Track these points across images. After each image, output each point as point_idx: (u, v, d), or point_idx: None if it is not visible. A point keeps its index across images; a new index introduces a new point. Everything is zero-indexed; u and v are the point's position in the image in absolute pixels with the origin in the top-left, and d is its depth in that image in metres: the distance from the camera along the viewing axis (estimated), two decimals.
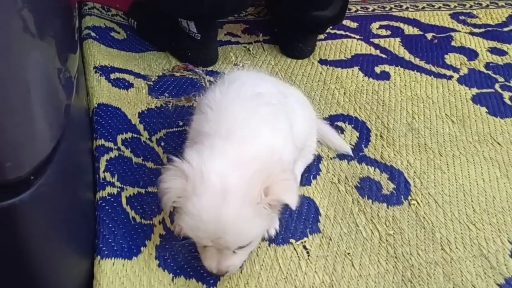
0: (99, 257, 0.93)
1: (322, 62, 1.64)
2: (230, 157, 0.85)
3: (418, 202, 1.16)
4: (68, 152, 0.81)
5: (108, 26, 1.62)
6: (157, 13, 1.57)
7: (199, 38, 1.49)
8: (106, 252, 0.93)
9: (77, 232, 0.89)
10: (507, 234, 1.11)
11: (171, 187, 0.83)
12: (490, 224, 1.13)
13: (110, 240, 0.96)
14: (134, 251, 0.96)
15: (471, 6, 2.07)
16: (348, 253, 1.03)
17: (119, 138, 1.19)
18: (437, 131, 1.39)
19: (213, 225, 0.80)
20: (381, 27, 1.87)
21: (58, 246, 0.80)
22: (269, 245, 1.03)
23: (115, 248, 0.95)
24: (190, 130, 1.01)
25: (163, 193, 0.84)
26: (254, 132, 0.90)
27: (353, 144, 1.31)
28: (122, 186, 1.08)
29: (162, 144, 1.22)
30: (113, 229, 0.98)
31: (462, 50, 1.78)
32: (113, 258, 0.93)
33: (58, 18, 0.82)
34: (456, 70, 1.66)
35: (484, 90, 1.58)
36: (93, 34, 1.53)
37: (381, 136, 1.35)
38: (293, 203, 0.85)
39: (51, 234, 0.76)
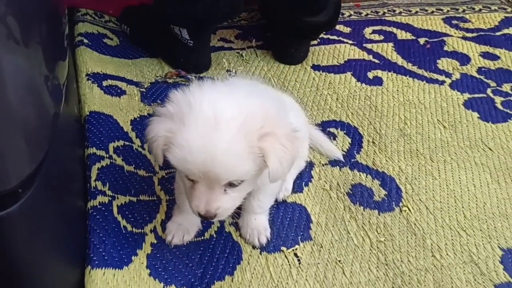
0: (89, 267, 0.93)
1: (315, 67, 1.64)
2: (225, 91, 0.81)
3: (409, 209, 1.17)
4: (57, 161, 0.81)
5: (101, 32, 1.62)
6: (150, 19, 1.57)
7: (191, 44, 1.49)
8: (96, 262, 0.94)
9: (66, 242, 0.89)
10: (497, 240, 1.11)
11: (157, 133, 0.79)
12: (480, 230, 1.14)
13: (100, 250, 0.96)
14: (125, 260, 0.96)
15: (464, 11, 2.07)
16: (339, 261, 1.03)
17: (111, 146, 1.19)
18: (429, 137, 1.40)
19: (203, 155, 0.75)
20: (374, 32, 1.88)
21: (47, 257, 0.80)
22: (260, 253, 1.03)
23: (106, 258, 0.95)
24: None
25: (151, 143, 0.80)
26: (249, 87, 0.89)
27: (345, 150, 1.32)
28: (114, 195, 1.08)
29: None
30: (103, 238, 0.98)
31: (454, 54, 1.78)
32: (103, 268, 0.93)
33: (45, 25, 0.81)
34: (448, 75, 1.67)
35: (476, 95, 1.58)
36: (85, 41, 1.53)
37: (373, 142, 1.35)
38: (273, 169, 0.78)
39: (40, 246, 0.76)
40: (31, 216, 0.71)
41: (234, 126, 0.76)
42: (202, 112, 0.77)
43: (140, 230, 1.03)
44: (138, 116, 1.32)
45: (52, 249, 0.82)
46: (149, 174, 1.16)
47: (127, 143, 1.22)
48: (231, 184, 0.82)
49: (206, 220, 0.89)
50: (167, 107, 0.81)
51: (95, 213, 1.02)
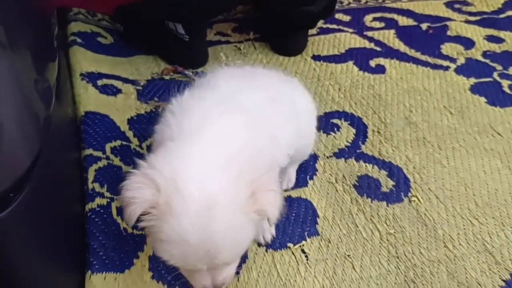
0: (89, 272, 0.89)
1: (315, 58, 1.60)
2: (204, 160, 0.71)
3: (418, 199, 1.13)
4: (50, 164, 0.78)
5: (95, 31, 1.58)
6: (144, 15, 1.53)
7: (187, 39, 1.45)
8: (97, 267, 0.90)
9: (64, 247, 0.86)
10: (511, 227, 1.07)
11: (138, 197, 0.68)
12: (493, 218, 1.10)
13: (101, 254, 0.93)
14: (126, 263, 0.93)
15: None
16: (348, 255, 1.00)
17: (108, 146, 1.16)
18: (435, 124, 1.35)
19: (205, 248, 0.67)
20: (374, 19, 1.83)
21: (44, 265, 0.77)
22: (266, 251, 0.99)
23: (106, 261, 0.92)
24: (153, 142, 0.87)
25: (127, 203, 0.69)
26: (227, 131, 0.77)
27: (350, 141, 1.28)
28: (112, 196, 1.04)
29: None
30: (103, 241, 0.95)
31: (458, 39, 1.74)
32: (104, 272, 0.90)
33: (32, 27, 0.78)
34: (453, 60, 1.62)
35: (482, 80, 1.54)
36: (79, 40, 1.49)
37: (378, 132, 1.31)
38: (274, 218, 0.73)
39: (34, 254, 0.73)
40: (23, 223, 0.68)
41: (229, 202, 0.68)
42: (190, 197, 0.67)
43: (141, 232, 0.99)
44: (135, 115, 1.29)
45: (48, 257, 0.78)
46: None
47: (124, 142, 1.19)
48: None
49: None
50: (152, 172, 0.69)
51: (93, 216, 0.99)
